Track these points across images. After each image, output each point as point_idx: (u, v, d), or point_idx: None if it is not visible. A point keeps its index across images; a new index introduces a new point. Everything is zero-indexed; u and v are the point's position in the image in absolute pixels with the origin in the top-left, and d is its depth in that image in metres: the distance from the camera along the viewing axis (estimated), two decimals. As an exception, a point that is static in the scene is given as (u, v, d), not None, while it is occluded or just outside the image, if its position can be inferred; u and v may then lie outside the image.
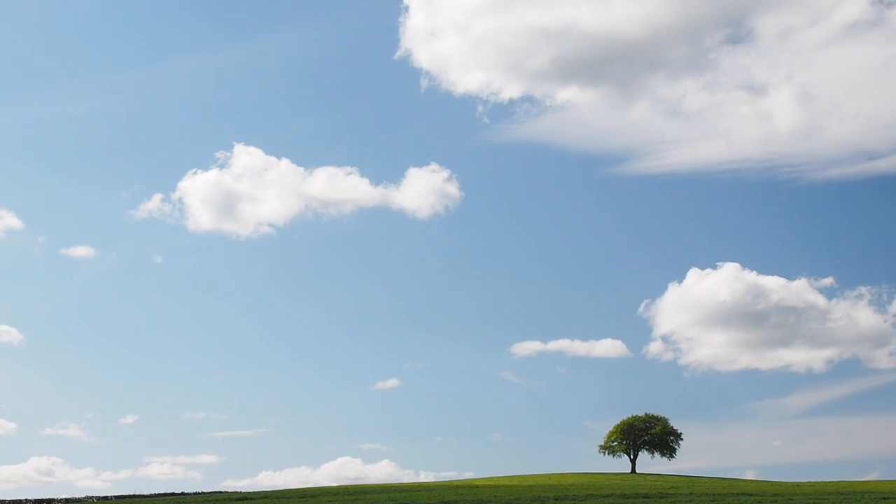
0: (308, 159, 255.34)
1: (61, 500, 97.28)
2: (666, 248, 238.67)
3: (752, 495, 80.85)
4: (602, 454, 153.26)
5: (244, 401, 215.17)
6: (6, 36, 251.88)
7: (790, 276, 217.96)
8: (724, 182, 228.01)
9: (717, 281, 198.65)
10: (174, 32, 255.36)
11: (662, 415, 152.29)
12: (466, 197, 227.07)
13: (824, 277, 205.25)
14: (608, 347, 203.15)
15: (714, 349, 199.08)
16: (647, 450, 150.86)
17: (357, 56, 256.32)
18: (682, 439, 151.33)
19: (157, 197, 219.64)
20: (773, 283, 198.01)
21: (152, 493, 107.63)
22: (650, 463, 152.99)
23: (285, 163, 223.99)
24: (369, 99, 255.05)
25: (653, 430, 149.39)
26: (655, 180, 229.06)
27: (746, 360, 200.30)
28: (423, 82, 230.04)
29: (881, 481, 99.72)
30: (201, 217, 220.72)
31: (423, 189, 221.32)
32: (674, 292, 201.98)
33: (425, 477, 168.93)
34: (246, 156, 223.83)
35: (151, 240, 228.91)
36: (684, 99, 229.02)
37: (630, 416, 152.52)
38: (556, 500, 78.43)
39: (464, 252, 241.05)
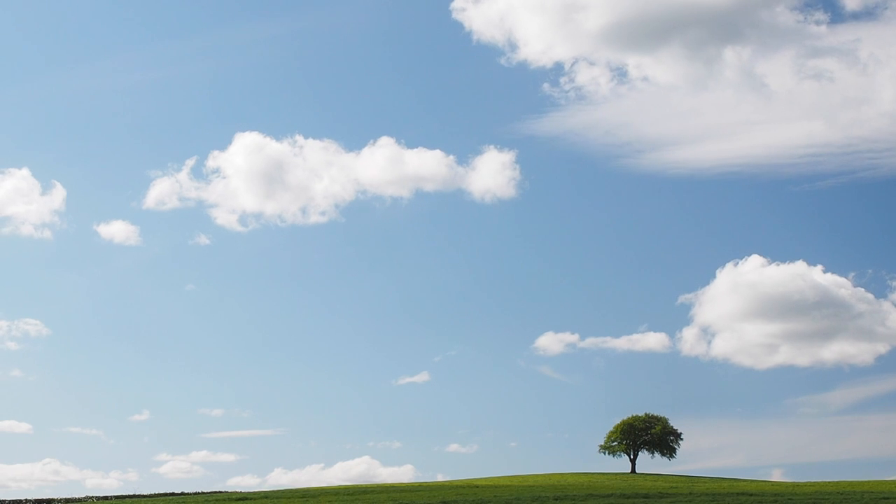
0: (356, 137, 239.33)
1: (61, 500, 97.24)
2: (726, 240, 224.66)
3: (751, 495, 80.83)
4: (602, 454, 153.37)
5: (267, 397, 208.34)
6: (58, 6, 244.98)
7: (859, 273, 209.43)
8: (802, 167, 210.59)
9: (773, 274, 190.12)
10: (220, 3, 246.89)
11: (663, 415, 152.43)
12: (520, 180, 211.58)
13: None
14: (652, 341, 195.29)
15: (756, 343, 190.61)
16: (647, 450, 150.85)
17: (406, 18, 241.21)
18: (682, 439, 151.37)
19: (199, 175, 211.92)
20: (831, 279, 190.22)
21: (153, 493, 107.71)
22: (650, 463, 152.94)
23: (330, 142, 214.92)
24: (422, 70, 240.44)
25: (653, 430, 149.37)
26: (727, 165, 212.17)
27: (788, 354, 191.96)
28: (477, 48, 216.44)
29: (882, 481, 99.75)
30: (244, 200, 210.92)
31: (489, 171, 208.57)
32: (726, 286, 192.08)
33: (442, 479, 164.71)
34: (295, 134, 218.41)
35: (189, 224, 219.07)
36: (768, 76, 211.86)
37: (630, 415, 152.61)
38: (556, 500, 78.41)
39: (522, 239, 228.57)
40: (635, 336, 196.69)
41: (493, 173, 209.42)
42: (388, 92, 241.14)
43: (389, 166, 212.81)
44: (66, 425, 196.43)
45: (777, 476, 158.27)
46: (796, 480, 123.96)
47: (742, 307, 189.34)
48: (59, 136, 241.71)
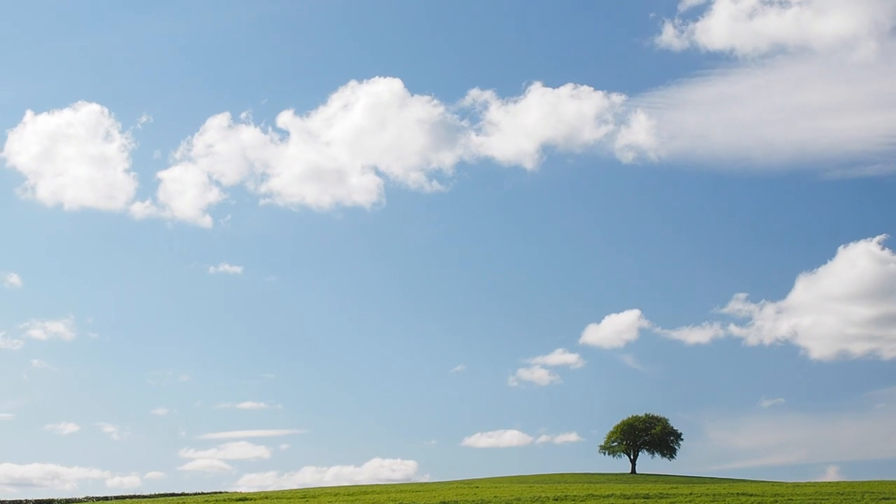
0: (507, 86, 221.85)
1: (61, 500, 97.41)
2: (844, 222, 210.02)
3: (751, 495, 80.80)
4: (602, 454, 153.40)
5: (306, 392, 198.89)
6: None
7: None
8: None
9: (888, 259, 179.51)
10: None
11: (663, 415, 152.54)
12: (653, 142, 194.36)
13: None
14: (739, 326, 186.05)
15: (839, 333, 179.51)
16: (647, 450, 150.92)
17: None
18: (682, 439, 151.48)
19: (292, 132, 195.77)
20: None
21: (153, 493, 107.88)
22: (650, 463, 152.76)
23: (420, 98, 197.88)
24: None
25: (653, 431, 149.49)
26: (888, 136, 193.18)
27: (873, 343, 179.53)
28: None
29: (881, 481, 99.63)
30: (345, 163, 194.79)
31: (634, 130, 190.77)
32: (836, 270, 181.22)
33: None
34: (404, 86, 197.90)
35: (274, 193, 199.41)
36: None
37: (630, 416, 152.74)
38: (556, 500, 78.36)
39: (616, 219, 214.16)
40: (728, 321, 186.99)
41: (635, 133, 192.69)
42: (517, 37, 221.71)
43: (517, 123, 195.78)
44: (92, 421, 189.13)
45: (831, 475, 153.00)
46: (850, 479, 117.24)
47: (840, 293, 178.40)
48: (146, 79, 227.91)
